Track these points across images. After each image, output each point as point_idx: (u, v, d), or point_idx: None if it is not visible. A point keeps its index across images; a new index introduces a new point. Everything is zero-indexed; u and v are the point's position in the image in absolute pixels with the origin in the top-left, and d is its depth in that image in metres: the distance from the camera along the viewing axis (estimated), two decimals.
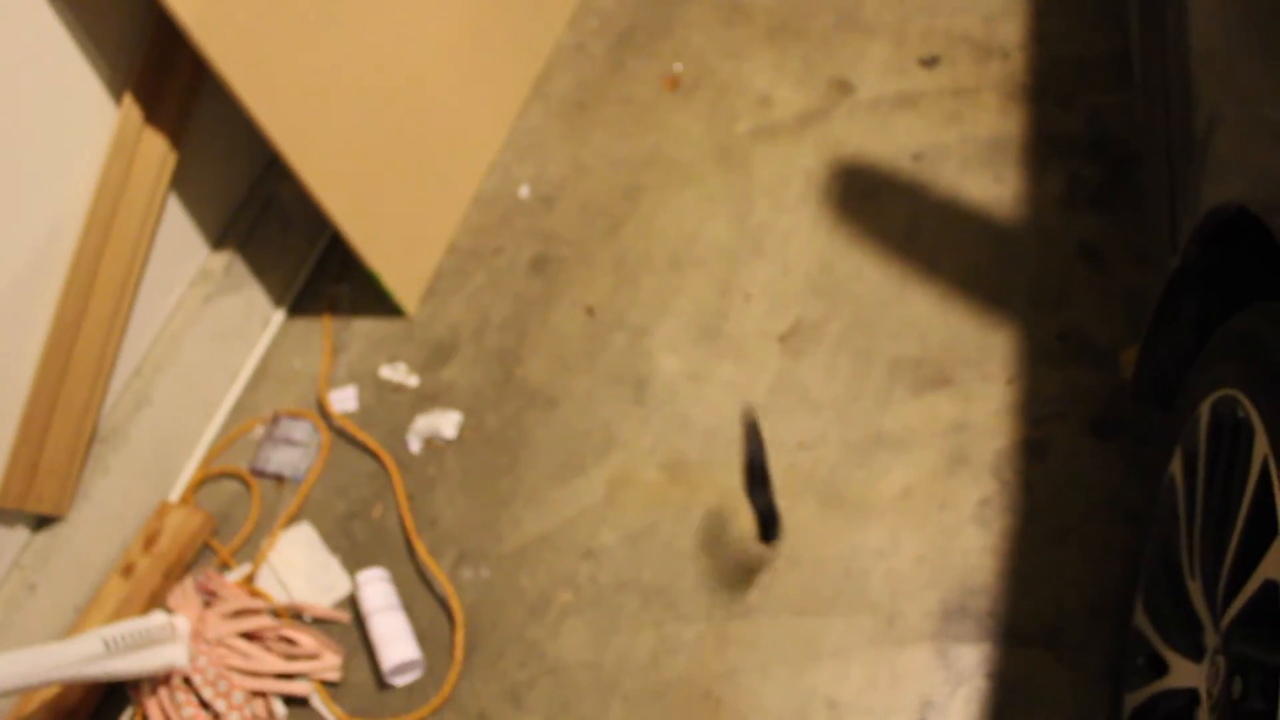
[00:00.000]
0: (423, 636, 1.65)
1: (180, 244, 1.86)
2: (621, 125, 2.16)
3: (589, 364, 1.87)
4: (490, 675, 1.61)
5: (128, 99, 1.67)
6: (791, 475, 1.68)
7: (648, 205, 2.04)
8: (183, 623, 1.61)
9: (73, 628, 1.69)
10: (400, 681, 1.63)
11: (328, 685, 1.65)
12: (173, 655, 1.56)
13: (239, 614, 1.65)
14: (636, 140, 2.13)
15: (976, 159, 1.95)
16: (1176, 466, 1.21)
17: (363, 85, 1.84)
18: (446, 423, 1.84)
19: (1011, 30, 2.11)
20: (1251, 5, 1.09)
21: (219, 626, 1.62)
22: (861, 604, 1.56)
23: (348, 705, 1.63)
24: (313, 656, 1.64)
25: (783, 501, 1.65)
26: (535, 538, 1.71)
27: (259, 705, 1.61)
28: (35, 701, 1.60)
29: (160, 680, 1.59)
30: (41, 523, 1.69)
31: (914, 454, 1.66)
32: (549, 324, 1.93)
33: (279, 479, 1.86)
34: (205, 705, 1.59)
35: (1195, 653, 1.10)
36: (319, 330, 2.02)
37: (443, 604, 1.68)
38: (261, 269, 2.00)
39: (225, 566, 1.78)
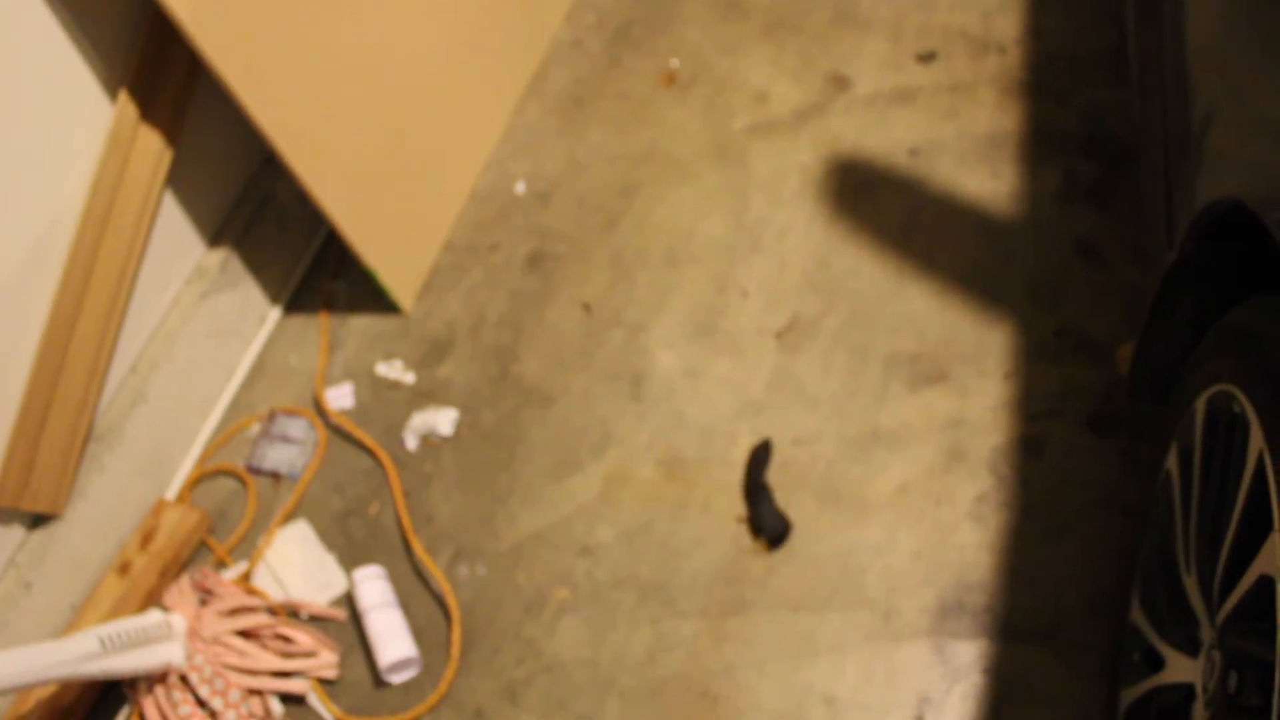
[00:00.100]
0: (419, 634, 1.65)
1: (176, 241, 1.86)
2: (618, 121, 2.16)
3: (585, 361, 1.87)
4: (487, 672, 1.61)
5: (123, 96, 1.67)
6: (788, 471, 1.68)
7: (644, 201, 2.04)
8: (179, 621, 1.61)
9: (69, 626, 1.69)
10: (397, 679, 1.63)
11: (324, 683, 1.65)
12: (169, 653, 1.56)
13: (235, 612, 1.65)
14: (633, 136, 2.13)
15: (973, 155, 1.95)
16: (1173, 462, 1.21)
17: (359, 81, 1.84)
18: (443, 420, 1.84)
19: (1008, 26, 2.10)
20: (1247, 1, 1.08)
21: (215, 624, 1.62)
22: (858, 600, 1.55)
23: (345, 703, 1.63)
24: (309, 654, 1.64)
25: (779, 498, 1.65)
26: (532, 535, 1.71)
27: (255, 703, 1.60)
28: (31, 700, 1.59)
29: (157, 679, 1.59)
30: (37, 521, 1.69)
31: (911, 450, 1.66)
32: (545, 321, 1.93)
33: (275, 476, 1.86)
34: (202, 703, 1.59)
35: (1191, 648, 1.10)
36: (315, 327, 2.02)
37: (439, 601, 1.68)
38: (258, 266, 1.99)
39: (222, 564, 1.78)
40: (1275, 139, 0.98)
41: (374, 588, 1.67)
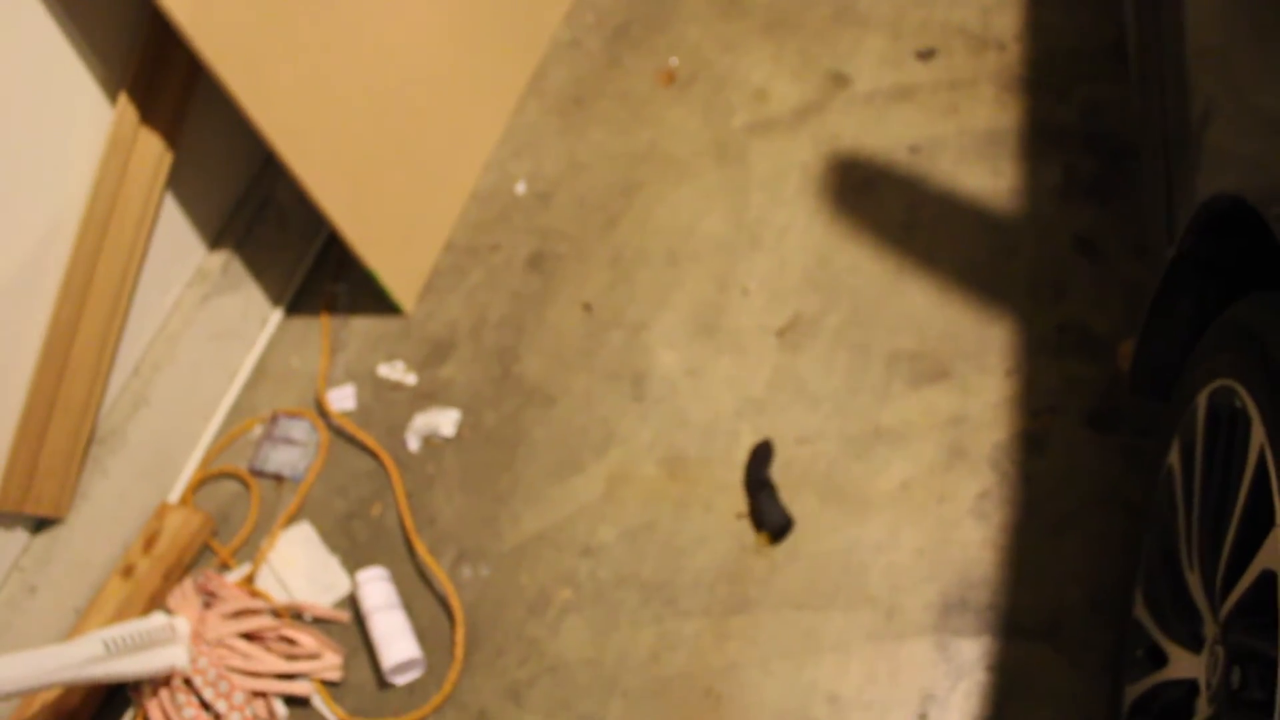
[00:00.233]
0: (423, 635, 1.65)
1: (177, 244, 1.86)
2: (618, 121, 2.16)
3: (587, 360, 1.87)
4: (491, 673, 1.61)
5: (123, 98, 1.67)
6: (790, 470, 1.68)
7: (644, 201, 2.04)
8: (183, 624, 1.61)
9: (73, 630, 1.69)
10: (401, 680, 1.63)
11: (328, 685, 1.65)
12: (173, 656, 1.56)
13: (239, 614, 1.65)
14: (633, 135, 2.13)
15: (973, 151, 1.94)
16: (1174, 457, 1.21)
17: (358, 83, 1.84)
18: (445, 421, 1.84)
19: (1007, 22, 2.10)
20: None
21: (219, 627, 1.62)
22: (861, 598, 1.55)
23: (348, 705, 1.63)
24: (313, 656, 1.64)
25: (782, 496, 1.65)
26: (534, 535, 1.71)
27: (260, 705, 1.61)
28: (36, 704, 1.60)
29: (161, 681, 1.59)
30: (41, 525, 1.69)
31: (912, 447, 1.66)
32: (547, 321, 1.93)
33: (278, 479, 1.86)
34: (206, 706, 1.59)
35: (1194, 643, 1.10)
36: (317, 329, 2.02)
37: (443, 602, 1.68)
38: (259, 268, 1.99)
39: (225, 567, 1.78)
40: (1275, 134, 0.98)
41: (377, 589, 1.67)
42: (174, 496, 1.87)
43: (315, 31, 1.75)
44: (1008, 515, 1.58)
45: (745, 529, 1.65)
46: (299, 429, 1.90)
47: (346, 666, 1.66)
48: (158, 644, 1.54)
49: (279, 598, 1.72)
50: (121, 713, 1.67)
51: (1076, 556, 1.52)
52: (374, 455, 1.85)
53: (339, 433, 1.89)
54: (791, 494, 1.65)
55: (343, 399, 1.92)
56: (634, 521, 1.69)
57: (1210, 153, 1.15)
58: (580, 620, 1.62)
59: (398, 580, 1.71)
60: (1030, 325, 1.73)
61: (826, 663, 1.52)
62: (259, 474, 1.87)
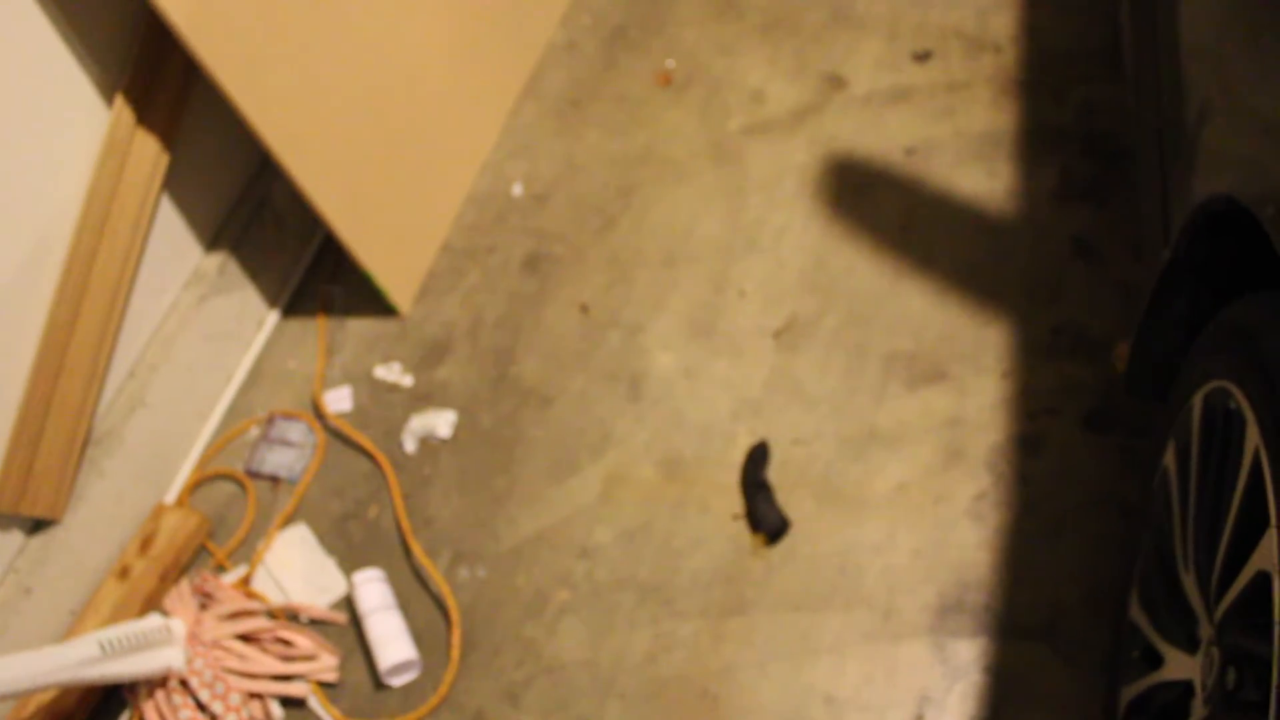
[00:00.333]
0: (419, 636, 1.65)
1: (174, 245, 1.86)
2: (614, 122, 2.16)
3: (583, 362, 1.87)
4: (487, 674, 1.61)
5: (119, 100, 1.67)
6: (786, 471, 1.68)
7: (641, 202, 2.04)
8: (179, 625, 1.61)
9: (69, 631, 1.69)
10: (397, 682, 1.63)
11: (325, 686, 1.65)
12: (169, 658, 1.56)
13: (235, 616, 1.65)
14: (629, 137, 2.13)
15: (969, 153, 1.95)
16: (1170, 459, 1.21)
17: (355, 85, 1.84)
18: (441, 422, 1.84)
19: (1003, 24, 2.11)
20: None
21: (215, 628, 1.62)
22: (858, 599, 1.56)
23: (345, 706, 1.63)
24: (309, 658, 1.64)
25: (778, 497, 1.65)
26: (531, 536, 1.71)
27: (256, 707, 1.60)
28: (32, 705, 1.59)
29: (157, 683, 1.59)
30: (36, 526, 1.69)
31: (909, 449, 1.66)
32: (543, 322, 1.93)
33: (274, 480, 1.86)
34: (202, 707, 1.59)
35: (1190, 645, 1.10)
36: (313, 331, 2.02)
37: (439, 604, 1.68)
38: (255, 270, 1.99)
39: (221, 568, 1.78)
40: (1269, 135, 0.98)
41: (374, 590, 1.67)
42: (170, 498, 1.87)
43: (312, 34, 1.75)
44: (1004, 516, 1.58)
45: (742, 530, 1.65)
46: (295, 430, 1.90)
47: (343, 668, 1.66)
48: (154, 645, 1.54)
49: (275, 599, 1.72)
50: (118, 714, 1.67)
51: (1073, 558, 1.52)
52: (370, 457, 1.85)
53: (335, 434, 1.89)
54: (788, 495, 1.65)
55: (339, 400, 1.91)
56: (631, 523, 1.69)
57: (1205, 154, 1.15)
58: (577, 621, 1.62)
59: (394, 582, 1.71)
60: (1026, 327, 1.73)
61: (823, 664, 1.52)
62: (255, 475, 1.87)
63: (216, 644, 1.62)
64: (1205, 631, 1.05)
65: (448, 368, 1.92)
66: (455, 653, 1.62)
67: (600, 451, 1.77)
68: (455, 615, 1.65)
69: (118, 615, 1.68)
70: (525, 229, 2.06)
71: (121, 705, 1.67)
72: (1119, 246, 1.78)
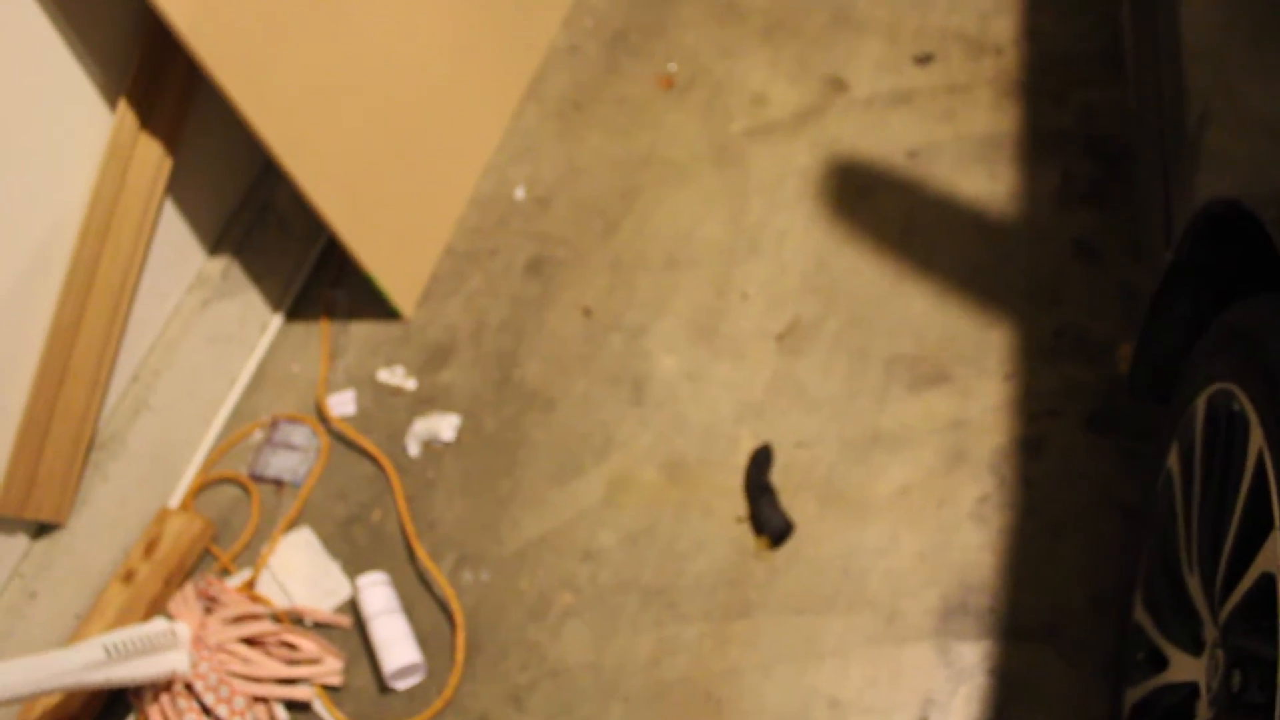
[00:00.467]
0: (424, 640, 1.65)
1: (177, 249, 1.86)
2: (616, 125, 2.16)
3: (586, 365, 1.87)
4: (492, 678, 1.61)
5: (122, 104, 1.67)
6: (789, 474, 1.68)
7: (643, 205, 2.04)
8: (184, 629, 1.61)
9: (74, 635, 1.69)
10: (402, 685, 1.63)
11: (329, 690, 1.65)
12: (174, 661, 1.56)
13: (240, 619, 1.65)
14: (631, 140, 2.13)
15: (971, 156, 1.95)
16: (1173, 461, 1.21)
17: (357, 89, 1.84)
18: (445, 425, 1.84)
19: (1005, 27, 2.11)
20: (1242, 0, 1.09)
21: (220, 632, 1.62)
22: (861, 602, 1.56)
23: (349, 710, 1.63)
24: (314, 661, 1.64)
25: (782, 500, 1.65)
26: (535, 539, 1.72)
27: (261, 711, 1.61)
28: (37, 710, 1.60)
29: (162, 687, 1.59)
30: (41, 530, 1.69)
31: (912, 451, 1.66)
32: (546, 325, 1.93)
33: (278, 484, 1.86)
34: (207, 711, 1.59)
35: (1194, 647, 1.10)
36: (316, 334, 2.02)
37: (443, 607, 1.68)
38: (258, 274, 2.00)
39: (226, 572, 1.78)
40: (1271, 138, 0.98)
41: (378, 594, 1.67)
42: (174, 502, 1.87)
43: (314, 37, 1.75)
44: (1007, 519, 1.58)
45: (745, 533, 1.65)
46: (299, 434, 1.90)
47: (347, 671, 1.66)
48: (158, 649, 1.54)
49: (280, 603, 1.72)
50: (122, 718, 1.67)
51: (1076, 560, 1.52)
52: (374, 460, 1.85)
53: (339, 438, 1.89)
54: (791, 498, 1.66)
55: (343, 404, 1.92)
56: (634, 526, 1.69)
57: (1207, 156, 1.15)
58: (581, 625, 1.63)
59: (398, 585, 1.71)
60: (1029, 329, 1.73)
61: (827, 667, 1.52)
62: (259, 479, 1.87)
63: (221, 648, 1.62)
64: (1210, 634, 1.05)
65: (451, 371, 1.92)
66: (460, 656, 1.62)
67: (603, 455, 1.77)
68: (459, 618, 1.65)
69: (122, 619, 1.68)
70: (528, 232, 2.06)
71: (126, 709, 1.67)
72: (1120, 248, 1.78)
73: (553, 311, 1.95)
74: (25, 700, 1.52)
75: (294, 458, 1.88)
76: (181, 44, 1.56)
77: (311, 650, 1.64)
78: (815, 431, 1.72)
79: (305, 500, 1.83)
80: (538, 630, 1.63)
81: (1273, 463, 0.92)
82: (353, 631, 1.69)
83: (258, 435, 1.93)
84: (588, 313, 1.93)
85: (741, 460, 1.71)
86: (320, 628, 1.71)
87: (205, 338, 1.90)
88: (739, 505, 1.68)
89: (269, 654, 1.65)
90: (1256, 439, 0.96)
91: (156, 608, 1.72)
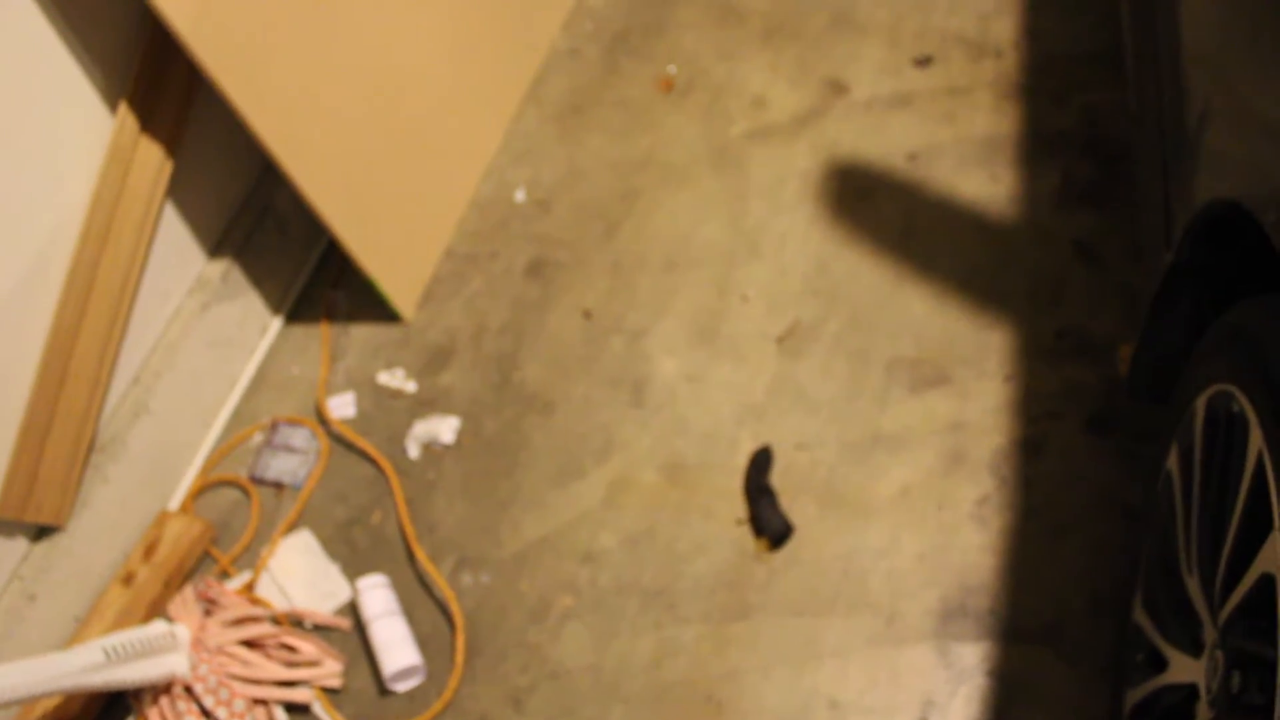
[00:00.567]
0: (424, 642, 1.65)
1: (177, 252, 1.87)
2: (616, 128, 2.17)
3: (587, 367, 1.87)
4: (491, 680, 1.61)
5: (123, 107, 1.67)
6: (790, 476, 1.68)
7: (643, 208, 2.04)
8: (183, 631, 1.61)
9: (73, 637, 1.69)
10: (402, 687, 1.63)
11: (329, 692, 1.65)
12: (174, 664, 1.56)
13: (239, 622, 1.65)
14: (631, 143, 2.13)
15: (971, 158, 1.95)
16: (1173, 462, 1.21)
17: (358, 92, 1.85)
18: (445, 428, 1.84)
19: (1005, 29, 2.11)
20: (1241, 1, 1.09)
21: (219, 634, 1.62)
22: (861, 603, 1.56)
23: (349, 712, 1.63)
24: (314, 663, 1.64)
25: (782, 502, 1.65)
26: (535, 542, 1.72)
27: (260, 713, 1.61)
28: (36, 712, 1.60)
29: (161, 689, 1.59)
30: (41, 533, 1.69)
31: (912, 453, 1.66)
32: (546, 328, 1.93)
33: (278, 486, 1.86)
34: (206, 714, 1.59)
35: (1194, 648, 1.10)
36: (317, 337, 2.02)
37: (443, 609, 1.68)
38: (258, 276, 2.00)
39: (225, 574, 1.78)
40: (1271, 139, 0.98)
41: (378, 596, 1.67)
42: (174, 504, 1.87)
43: (315, 40, 1.75)
44: (1007, 520, 1.58)
45: (745, 535, 1.65)
46: (299, 436, 1.90)
47: (347, 674, 1.66)
48: (158, 652, 1.54)
49: (279, 605, 1.72)
50: None
51: (1076, 561, 1.52)
52: (374, 462, 1.85)
53: (339, 440, 1.89)
54: (791, 500, 1.66)
55: (343, 406, 1.92)
56: (634, 528, 1.69)
57: (1207, 158, 1.15)
58: (581, 627, 1.62)
59: (398, 587, 1.71)
60: (1029, 330, 1.73)
61: (827, 668, 1.52)
62: (259, 481, 1.87)
63: (221, 650, 1.62)
64: (1209, 635, 1.05)
65: (451, 373, 1.92)
66: (459, 658, 1.62)
67: (604, 457, 1.77)
68: (459, 620, 1.65)
69: (122, 621, 1.68)
70: (528, 235, 2.06)
71: (126, 711, 1.67)
72: (1121, 250, 1.78)
73: (553, 314, 1.95)
74: (24, 702, 1.52)
75: (294, 460, 1.88)
76: (182, 47, 1.56)
77: (311, 652, 1.64)
78: (815, 433, 1.71)
79: (305, 503, 1.83)
80: (538, 632, 1.63)
81: (1272, 464, 0.92)
82: (352, 634, 1.69)
83: (257, 438, 1.93)
84: (588, 315, 1.93)
85: (741, 462, 1.71)
86: (320, 630, 1.71)
87: (205, 340, 1.90)
88: (739, 507, 1.68)
89: (269, 656, 1.65)
90: (1256, 440, 0.96)
91: (156, 610, 1.72)
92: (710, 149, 2.09)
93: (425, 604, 1.70)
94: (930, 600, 1.54)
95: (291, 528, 1.81)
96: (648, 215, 2.03)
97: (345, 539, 1.79)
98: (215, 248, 1.95)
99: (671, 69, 2.23)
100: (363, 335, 2.01)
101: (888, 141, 2.01)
